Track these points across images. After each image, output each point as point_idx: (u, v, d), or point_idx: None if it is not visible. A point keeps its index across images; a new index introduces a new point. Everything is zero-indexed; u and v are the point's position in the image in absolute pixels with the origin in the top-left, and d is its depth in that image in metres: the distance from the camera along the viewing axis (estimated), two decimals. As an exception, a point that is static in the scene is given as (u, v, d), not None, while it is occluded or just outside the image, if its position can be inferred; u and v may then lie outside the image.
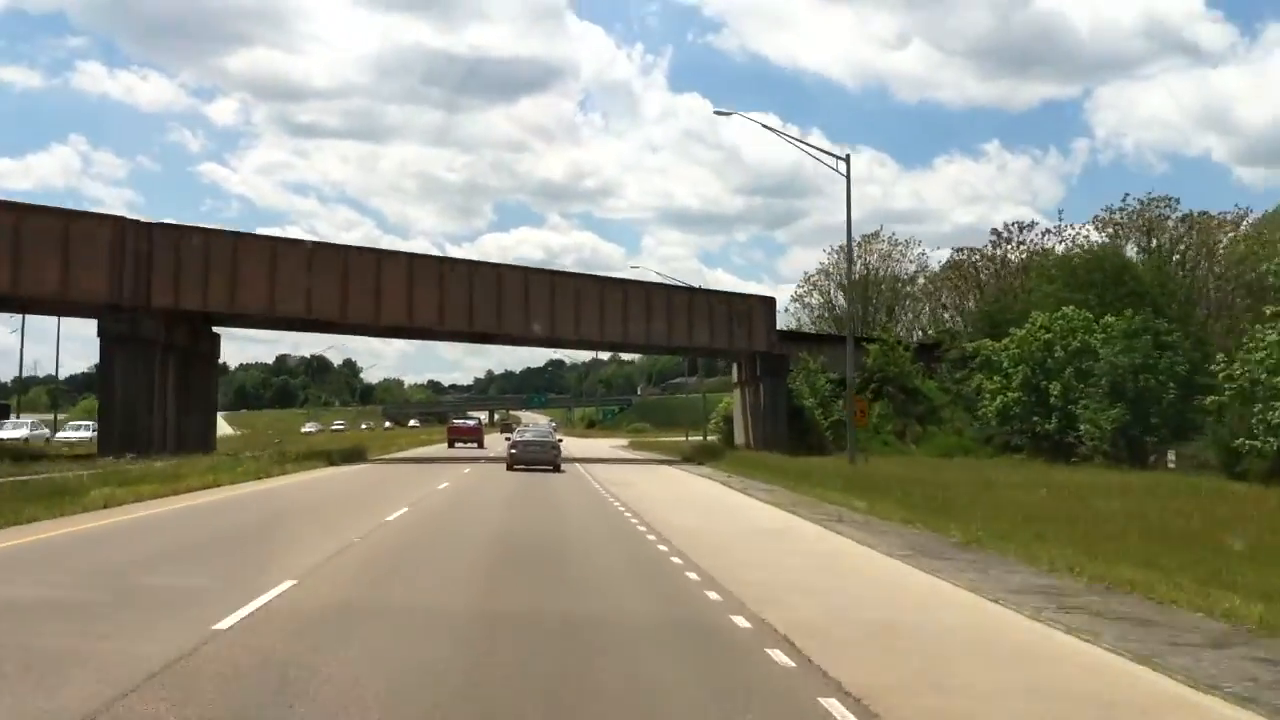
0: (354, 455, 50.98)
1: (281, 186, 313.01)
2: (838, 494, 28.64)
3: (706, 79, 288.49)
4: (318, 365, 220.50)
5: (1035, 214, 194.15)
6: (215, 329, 49.46)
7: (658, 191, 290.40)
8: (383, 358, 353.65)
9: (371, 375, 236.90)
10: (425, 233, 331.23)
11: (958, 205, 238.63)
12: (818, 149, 67.77)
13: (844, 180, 42.82)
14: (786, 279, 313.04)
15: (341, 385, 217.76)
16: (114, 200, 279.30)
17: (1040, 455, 51.00)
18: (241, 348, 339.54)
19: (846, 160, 43.30)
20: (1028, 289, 68.81)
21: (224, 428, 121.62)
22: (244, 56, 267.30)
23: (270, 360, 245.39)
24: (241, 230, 47.58)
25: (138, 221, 42.98)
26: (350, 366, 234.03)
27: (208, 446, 45.84)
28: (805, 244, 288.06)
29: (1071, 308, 54.64)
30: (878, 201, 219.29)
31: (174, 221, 55.68)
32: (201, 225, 46.53)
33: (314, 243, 50.74)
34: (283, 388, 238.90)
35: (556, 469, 42.41)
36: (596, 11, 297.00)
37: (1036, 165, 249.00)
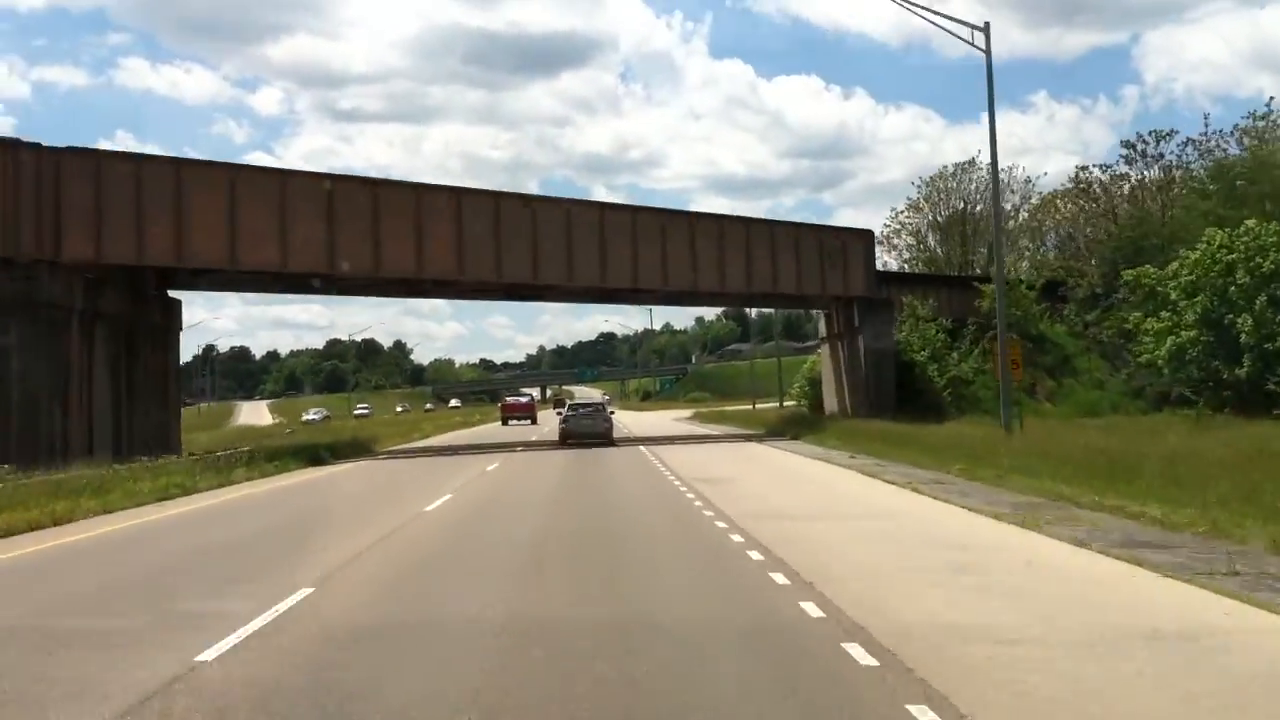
0: (355, 449, 40.19)
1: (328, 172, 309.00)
2: (1070, 488, 17.64)
3: (747, 44, 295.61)
4: (367, 348, 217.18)
5: (1085, 162, 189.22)
6: (174, 293, 38.70)
7: (702, 159, 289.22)
8: (435, 339, 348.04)
9: (423, 356, 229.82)
10: None
11: (1006, 157, 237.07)
12: (949, 17, 57.51)
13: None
14: None
15: (392, 368, 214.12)
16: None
17: (1222, 409, 39.54)
18: (298, 336, 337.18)
19: (986, 30, 33.33)
20: (1172, 209, 57.08)
21: (265, 416, 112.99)
22: (285, 45, 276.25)
23: (321, 346, 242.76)
24: (192, 157, 36.44)
25: (38, 146, 31.83)
26: (400, 348, 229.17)
27: (168, 447, 35.24)
28: (854, 205, 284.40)
29: (1253, 221, 42.89)
30: (925, 157, 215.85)
31: (91, 146, 44.76)
32: (130, 150, 35.35)
33: (288, 171, 40.01)
34: (332, 373, 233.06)
35: (610, 442, 40.95)
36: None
37: (1086, 114, 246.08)
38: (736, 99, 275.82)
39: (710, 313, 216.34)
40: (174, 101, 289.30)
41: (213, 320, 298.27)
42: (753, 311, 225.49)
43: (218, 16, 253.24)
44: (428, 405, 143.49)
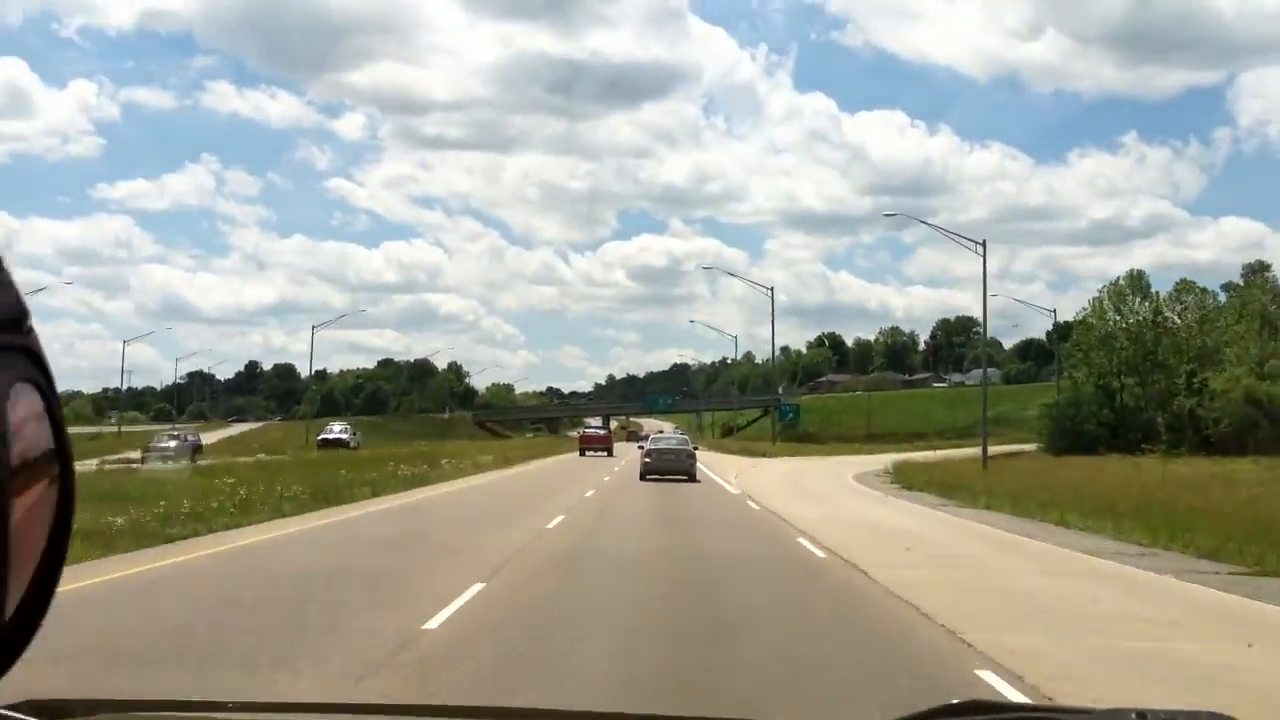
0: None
1: (408, 200, 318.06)
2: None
3: (832, 77, 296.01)
4: (420, 369, 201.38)
5: (1173, 207, 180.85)
6: None
7: (781, 194, 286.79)
8: (506, 368, 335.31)
9: (482, 381, 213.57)
10: (548, 242, 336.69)
11: (1094, 199, 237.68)
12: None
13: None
14: (913, 280, 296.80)
15: (445, 392, 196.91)
16: (246, 217, 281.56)
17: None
18: (349, 358, 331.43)
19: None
20: None
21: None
22: (368, 71, 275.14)
23: (372, 365, 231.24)
24: None
25: None
26: (456, 371, 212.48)
27: None
28: (934, 244, 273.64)
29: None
30: (1011, 198, 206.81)
31: None
32: None
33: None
34: (373, 394, 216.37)
35: (691, 478, 40.48)
36: (718, 12, 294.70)
37: (1177, 156, 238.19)
38: (818, 133, 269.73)
39: (798, 340, 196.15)
40: (259, 125, 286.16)
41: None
42: (849, 339, 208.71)
43: (303, 42, 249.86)
44: (324, 434, 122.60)
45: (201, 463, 45.14)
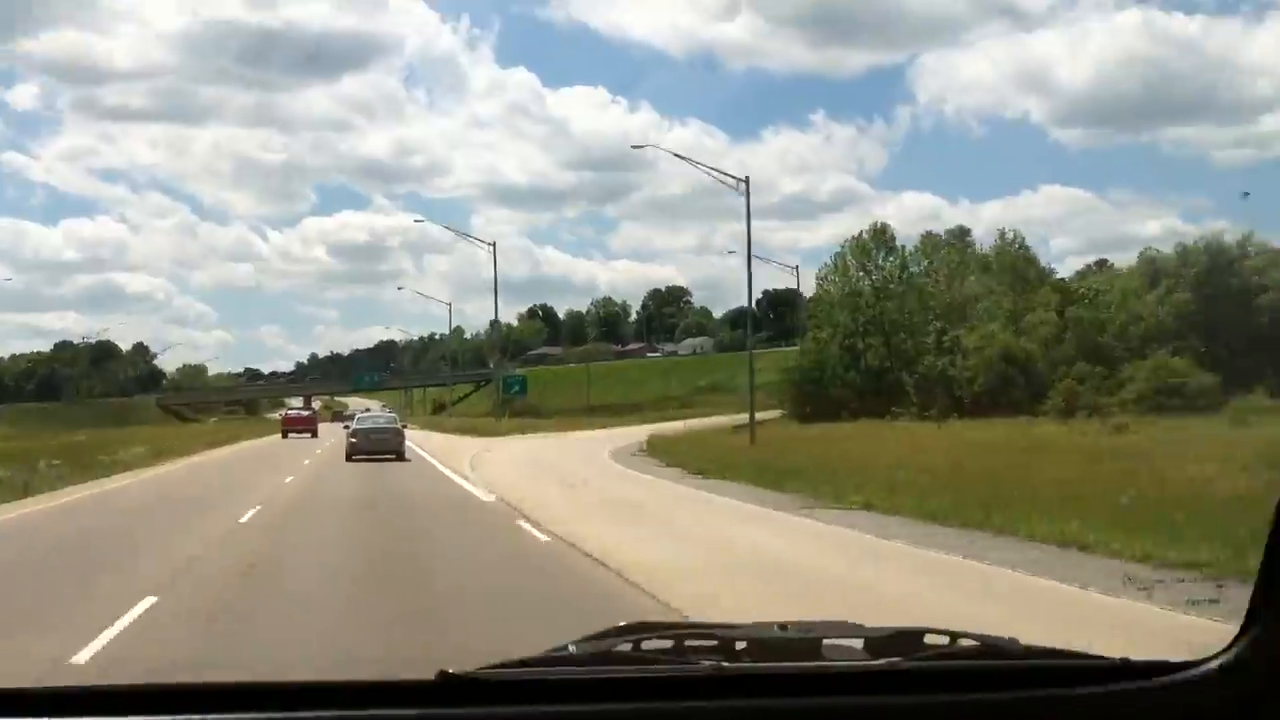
0: None
1: (89, 174, 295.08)
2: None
3: (534, 52, 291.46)
4: (101, 352, 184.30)
5: (858, 182, 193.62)
6: None
7: (485, 168, 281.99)
8: (200, 348, 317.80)
9: (172, 362, 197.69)
10: (242, 217, 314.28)
11: (784, 175, 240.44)
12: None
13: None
14: (617, 254, 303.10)
15: (127, 376, 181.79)
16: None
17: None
18: (29, 342, 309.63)
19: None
20: None
21: None
22: (45, 39, 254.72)
23: (49, 349, 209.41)
24: None
25: None
26: (141, 351, 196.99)
27: None
28: (637, 218, 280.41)
29: None
30: (707, 176, 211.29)
31: None
32: None
33: None
34: (48, 379, 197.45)
35: (400, 458, 39.17)
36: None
37: (862, 134, 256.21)
38: (521, 107, 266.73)
39: (508, 314, 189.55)
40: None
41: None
42: (561, 311, 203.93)
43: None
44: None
45: None
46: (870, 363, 67.50)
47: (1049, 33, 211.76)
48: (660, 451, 39.20)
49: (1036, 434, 39.96)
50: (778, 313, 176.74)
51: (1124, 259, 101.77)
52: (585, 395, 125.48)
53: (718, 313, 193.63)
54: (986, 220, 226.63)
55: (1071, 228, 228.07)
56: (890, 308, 67.73)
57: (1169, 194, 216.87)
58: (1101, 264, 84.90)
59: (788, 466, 27.48)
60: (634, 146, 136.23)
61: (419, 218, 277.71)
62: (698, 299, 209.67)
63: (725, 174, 48.32)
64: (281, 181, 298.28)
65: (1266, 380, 53.78)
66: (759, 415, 68.25)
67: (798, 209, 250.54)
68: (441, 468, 35.02)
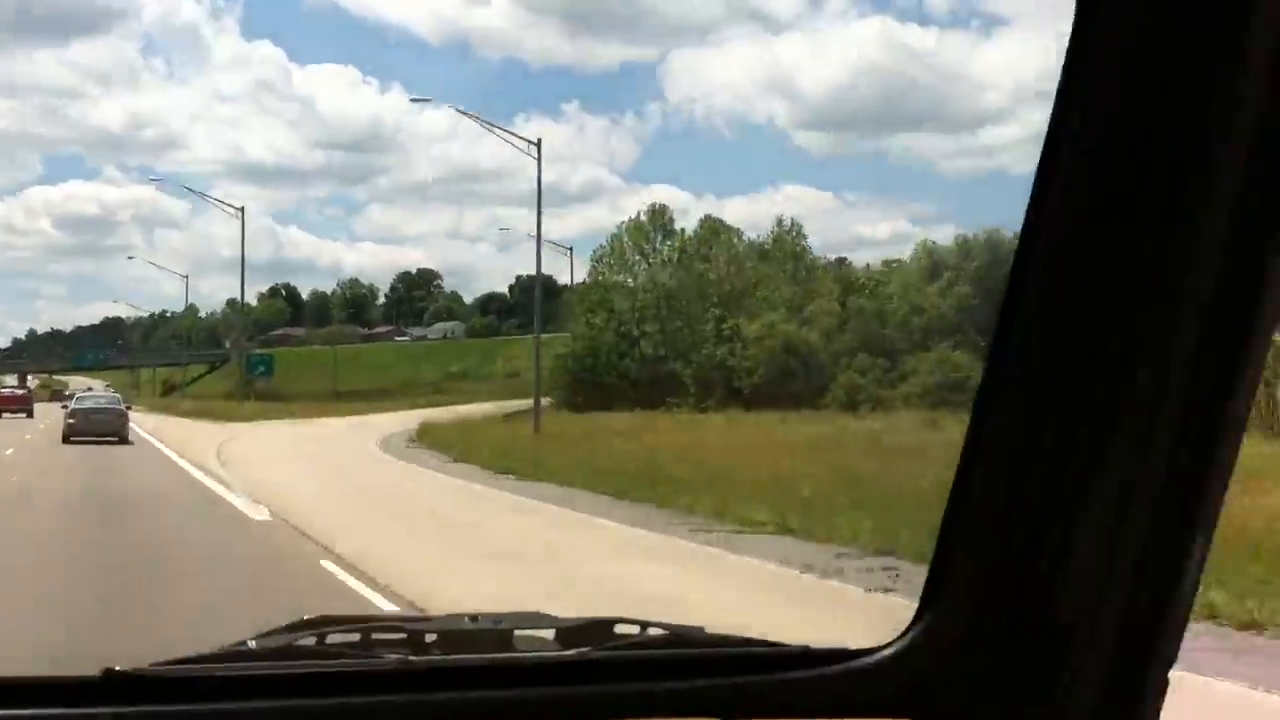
0: None
1: None
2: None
3: (282, 27, 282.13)
4: None
5: (610, 175, 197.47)
6: None
7: (227, 144, 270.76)
8: None
9: None
10: None
11: (531, 165, 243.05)
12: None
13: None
14: (365, 236, 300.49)
15: None
16: None
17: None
18: None
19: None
20: None
21: None
22: None
23: None
24: None
25: None
26: None
27: None
28: (385, 201, 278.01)
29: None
30: (460, 159, 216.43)
31: None
32: None
33: None
34: None
35: (124, 440, 37.31)
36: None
37: (614, 126, 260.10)
38: (267, 83, 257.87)
39: (249, 294, 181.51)
40: None
41: None
42: (304, 291, 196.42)
43: None
44: None
45: None
46: (645, 351, 64.64)
47: (796, 35, 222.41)
48: (438, 444, 34.78)
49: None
50: (531, 298, 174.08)
51: (859, 258, 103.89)
52: (331, 379, 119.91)
53: (468, 298, 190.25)
54: (729, 217, 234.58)
55: (812, 227, 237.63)
56: (668, 293, 65.05)
57: (900, 198, 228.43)
58: (841, 262, 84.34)
59: (609, 467, 23.73)
60: (413, 100, 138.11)
61: (156, 178, 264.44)
62: (448, 284, 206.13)
63: (516, 135, 46.71)
64: (4, 149, 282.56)
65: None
66: (525, 404, 65.10)
67: (548, 198, 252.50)
68: (180, 461, 29.67)
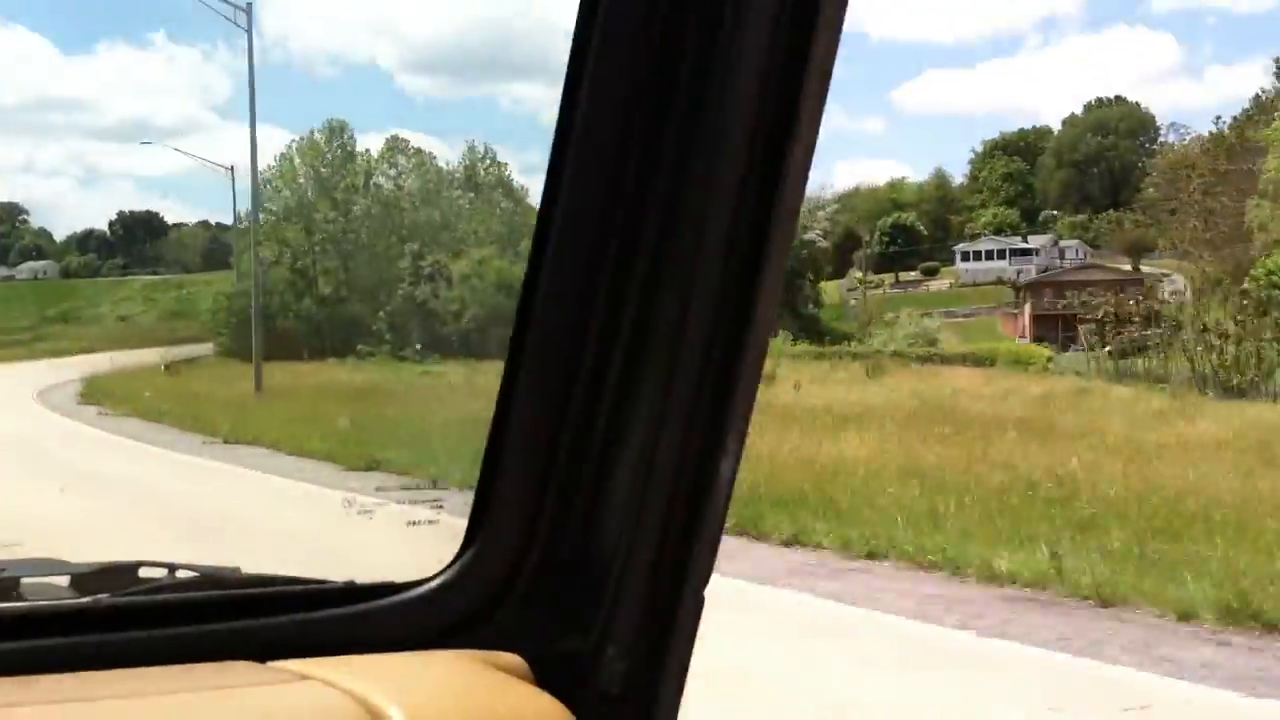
0: None
1: None
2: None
3: None
4: None
5: (205, 109, 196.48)
6: None
7: None
8: None
9: None
10: None
11: (121, 95, 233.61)
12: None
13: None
14: None
15: None
16: None
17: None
18: None
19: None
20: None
21: None
22: None
23: None
24: None
25: None
26: None
27: None
28: None
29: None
30: (35, 86, 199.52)
31: None
32: None
33: None
34: None
35: None
36: None
37: (208, 60, 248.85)
38: None
39: None
40: None
41: None
42: None
43: None
44: None
45: None
46: (324, 291, 56.19)
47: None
48: (124, 402, 26.12)
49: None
50: (135, 237, 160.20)
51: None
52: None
53: (59, 235, 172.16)
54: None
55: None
56: (350, 224, 56.76)
57: (507, 145, 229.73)
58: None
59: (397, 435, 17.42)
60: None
61: None
62: (35, 221, 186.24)
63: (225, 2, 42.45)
64: None
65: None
66: (176, 353, 57.03)
67: (134, 132, 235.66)
68: None
